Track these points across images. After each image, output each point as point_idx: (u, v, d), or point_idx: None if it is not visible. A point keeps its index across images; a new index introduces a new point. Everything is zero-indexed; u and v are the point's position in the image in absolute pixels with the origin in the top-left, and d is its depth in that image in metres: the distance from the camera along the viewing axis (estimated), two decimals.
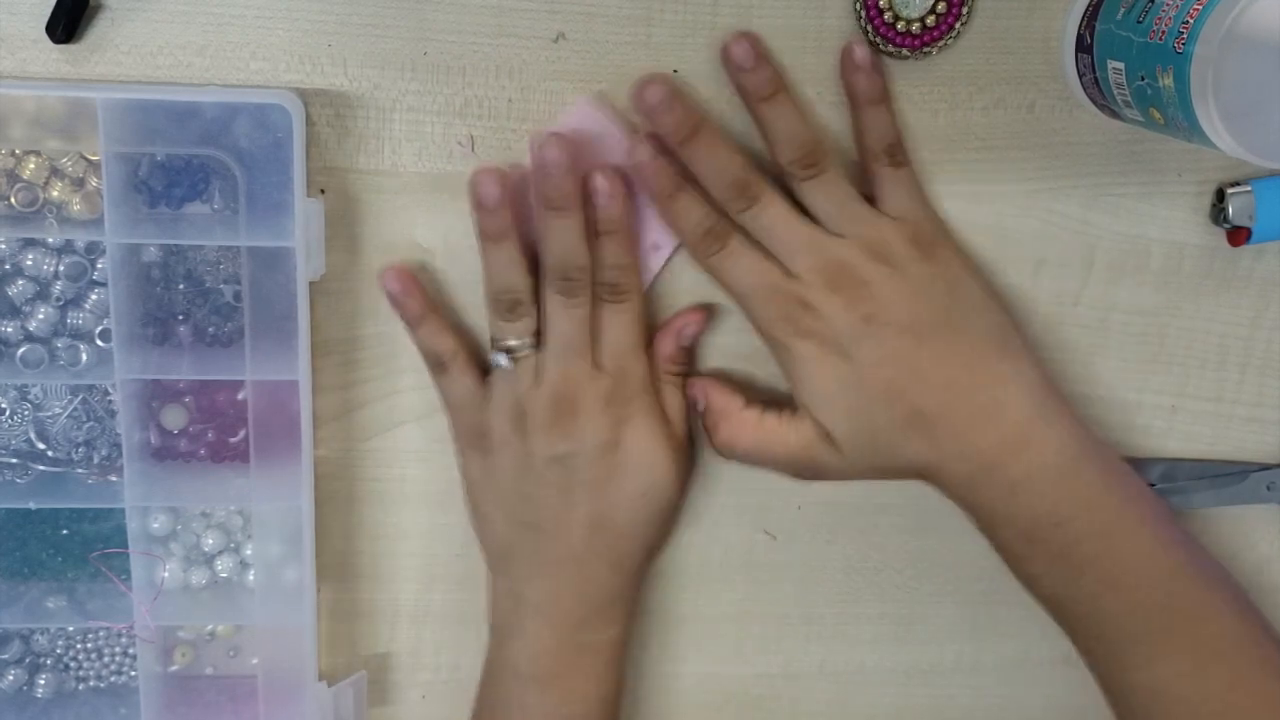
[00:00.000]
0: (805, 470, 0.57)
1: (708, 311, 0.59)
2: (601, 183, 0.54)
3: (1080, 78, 0.56)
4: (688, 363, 0.59)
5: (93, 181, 0.55)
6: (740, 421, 0.58)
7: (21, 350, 0.56)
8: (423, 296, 0.57)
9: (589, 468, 0.56)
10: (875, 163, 0.56)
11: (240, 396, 0.58)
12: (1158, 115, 0.50)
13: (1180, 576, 0.54)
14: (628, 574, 0.58)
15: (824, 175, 0.55)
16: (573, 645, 0.57)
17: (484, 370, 0.57)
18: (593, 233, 0.55)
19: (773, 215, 0.55)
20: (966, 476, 0.55)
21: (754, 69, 0.54)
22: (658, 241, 0.58)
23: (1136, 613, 0.54)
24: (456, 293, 0.58)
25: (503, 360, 0.56)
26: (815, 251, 0.55)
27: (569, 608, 0.57)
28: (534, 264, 0.56)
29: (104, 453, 0.58)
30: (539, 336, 0.56)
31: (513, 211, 0.55)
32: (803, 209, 0.55)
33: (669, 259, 0.58)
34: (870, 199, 0.56)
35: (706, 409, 0.59)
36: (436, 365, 0.57)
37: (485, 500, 0.58)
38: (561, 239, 0.54)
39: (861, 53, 0.55)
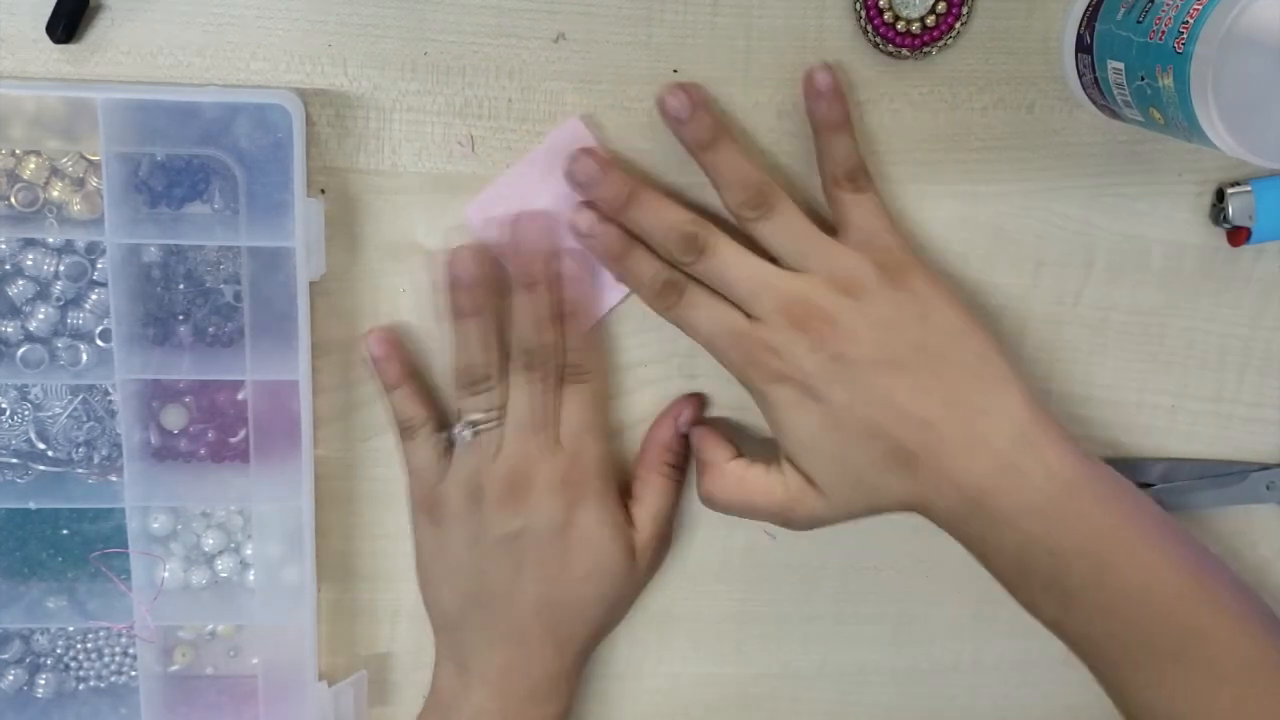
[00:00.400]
0: (794, 520, 0.56)
1: (701, 399, 0.60)
2: (571, 267, 0.55)
3: (1080, 78, 0.56)
4: (684, 453, 0.60)
5: (93, 181, 0.55)
6: (723, 474, 0.57)
7: (21, 350, 0.56)
8: (403, 362, 0.57)
9: (539, 547, 0.56)
10: (837, 188, 0.55)
11: (240, 396, 0.58)
12: (1158, 115, 0.50)
13: (1184, 598, 0.52)
14: (572, 654, 0.58)
15: (775, 212, 0.54)
16: (518, 718, 0.57)
17: (450, 440, 0.57)
18: (559, 313, 0.56)
19: (724, 261, 0.54)
20: (953, 510, 0.54)
21: (691, 119, 0.53)
22: (612, 281, 0.57)
23: (1135, 637, 0.53)
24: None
25: (467, 434, 0.56)
26: (775, 291, 0.53)
27: (515, 681, 0.57)
28: (503, 338, 0.56)
29: (104, 453, 0.58)
30: (504, 410, 0.56)
31: (489, 286, 0.55)
32: (763, 250, 0.54)
33: (624, 298, 0.58)
34: (834, 229, 0.55)
35: (697, 458, 0.59)
36: (405, 430, 0.58)
37: (435, 570, 0.58)
38: (529, 314, 0.55)
39: (823, 79, 0.54)
